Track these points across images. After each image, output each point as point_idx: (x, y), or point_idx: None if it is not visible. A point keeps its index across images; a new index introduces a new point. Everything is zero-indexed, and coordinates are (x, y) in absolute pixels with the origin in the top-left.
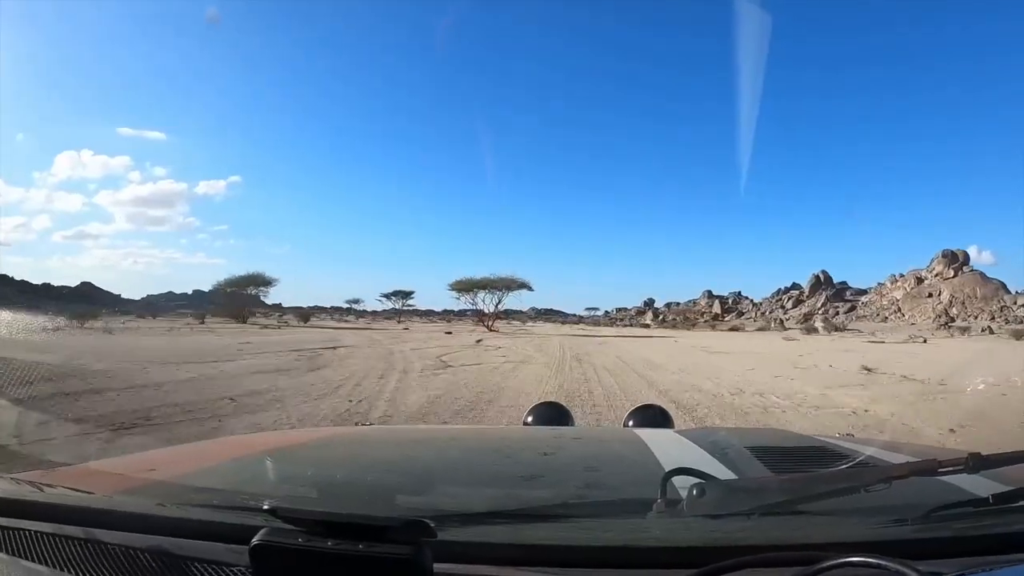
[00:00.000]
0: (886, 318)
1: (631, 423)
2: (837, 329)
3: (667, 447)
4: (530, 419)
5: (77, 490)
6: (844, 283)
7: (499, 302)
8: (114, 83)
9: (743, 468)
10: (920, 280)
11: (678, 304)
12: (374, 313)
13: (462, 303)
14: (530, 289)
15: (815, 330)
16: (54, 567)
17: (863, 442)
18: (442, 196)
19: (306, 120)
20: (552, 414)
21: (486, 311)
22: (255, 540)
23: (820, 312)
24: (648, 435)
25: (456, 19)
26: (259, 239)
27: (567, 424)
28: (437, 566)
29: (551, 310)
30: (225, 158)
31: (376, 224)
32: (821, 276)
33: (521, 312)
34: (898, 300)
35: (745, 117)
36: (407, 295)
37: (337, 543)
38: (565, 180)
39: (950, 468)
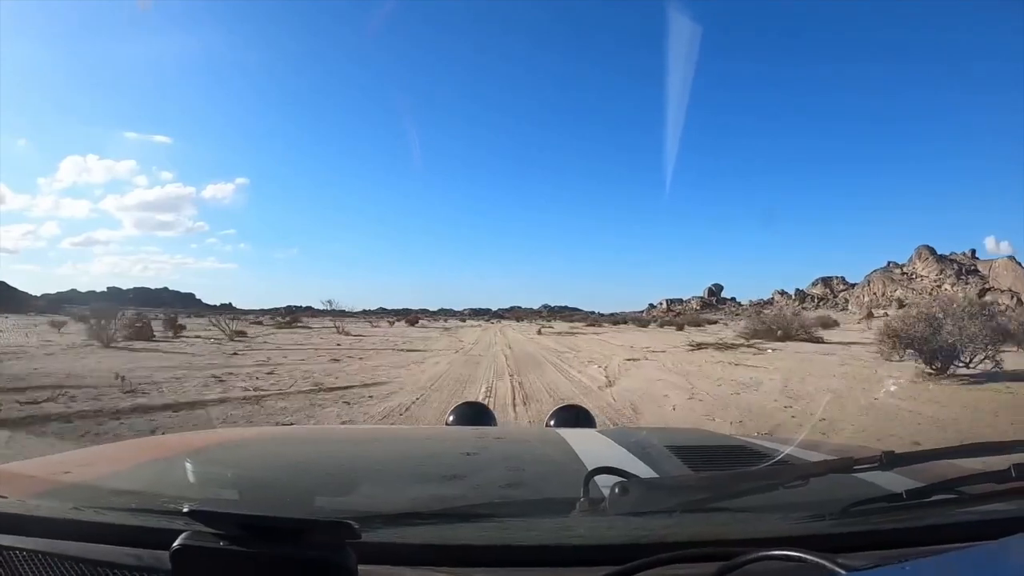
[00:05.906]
0: None
1: (553, 423)
2: None
3: (589, 446)
4: (452, 419)
5: None
6: None
7: None
8: (119, 86)
9: (664, 467)
10: None
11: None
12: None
13: None
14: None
15: None
16: None
17: (782, 441)
18: (443, 197)
19: (311, 120)
20: (474, 414)
21: None
22: (176, 544)
23: None
24: (570, 435)
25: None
26: (267, 242)
27: (489, 424)
28: (361, 567)
29: (566, 307)
30: (231, 160)
31: (376, 229)
32: None
33: (531, 310)
34: None
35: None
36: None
37: (260, 545)
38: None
39: (865, 465)
